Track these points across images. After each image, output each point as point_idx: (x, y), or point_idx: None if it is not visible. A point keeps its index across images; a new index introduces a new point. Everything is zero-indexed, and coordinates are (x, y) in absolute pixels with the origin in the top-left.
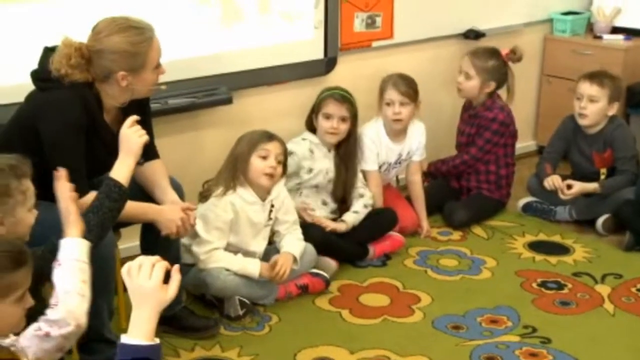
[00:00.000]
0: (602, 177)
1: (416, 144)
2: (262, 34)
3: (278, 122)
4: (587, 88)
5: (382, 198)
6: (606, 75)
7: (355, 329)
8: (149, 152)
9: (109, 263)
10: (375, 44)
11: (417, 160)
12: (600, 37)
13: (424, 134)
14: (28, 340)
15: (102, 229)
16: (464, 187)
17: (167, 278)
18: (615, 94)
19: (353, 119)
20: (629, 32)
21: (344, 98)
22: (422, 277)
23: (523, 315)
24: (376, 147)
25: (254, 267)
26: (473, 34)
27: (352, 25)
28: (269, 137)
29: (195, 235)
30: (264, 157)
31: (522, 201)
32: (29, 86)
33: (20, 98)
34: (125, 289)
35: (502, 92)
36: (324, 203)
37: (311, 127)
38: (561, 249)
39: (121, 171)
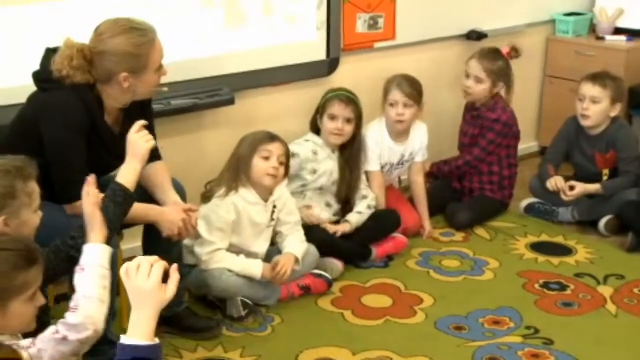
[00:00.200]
0: (605, 178)
1: (419, 144)
2: (264, 35)
3: (280, 123)
4: (590, 89)
5: (385, 199)
6: (609, 77)
7: (358, 330)
8: (151, 154)
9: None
10: (377, 45)
11: (419, 161)
12: (602, 38)
13: (426, 135)
14: (45, 343)
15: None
16: (466, 188)
17: (166, 278)
18: (618, 95)
19: (358, 120)
20: (632, 33)
21: (350, 99)
22: (424, 278)
23: (525, 317)
24: (379, 148)
25: (256, 268)
26: (475, 35)
27: (354, 27)
28: (272, 138)
29: (197, 236)
30: (267, 158)
31: (525, 202)
32: (30, 87)
33: (22, 99)
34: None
35: (502, 91)
36: (328, 205)
37: (316, 128)
38: (564, 250)
39: (127, 175)
